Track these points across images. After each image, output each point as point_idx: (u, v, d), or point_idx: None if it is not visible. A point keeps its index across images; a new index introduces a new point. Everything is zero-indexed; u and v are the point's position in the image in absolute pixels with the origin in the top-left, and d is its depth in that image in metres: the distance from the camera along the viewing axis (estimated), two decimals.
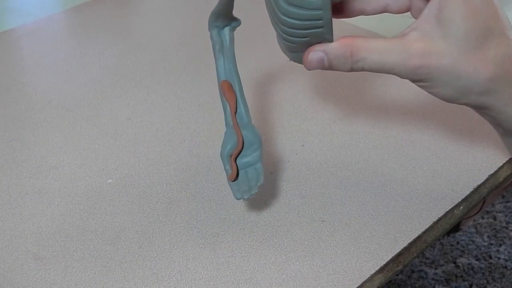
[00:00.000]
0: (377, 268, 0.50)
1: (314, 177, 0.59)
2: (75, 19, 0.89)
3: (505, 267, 1.65)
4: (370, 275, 0.50)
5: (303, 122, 0.66)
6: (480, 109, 0.49)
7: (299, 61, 0.50)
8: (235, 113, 0.52)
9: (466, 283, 1.60)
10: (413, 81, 0.48)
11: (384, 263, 0.51)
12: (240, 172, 0.51)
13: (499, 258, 1.67)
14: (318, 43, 0.48)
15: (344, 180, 0.59)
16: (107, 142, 0.64)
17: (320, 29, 0.46)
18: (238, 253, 0.51)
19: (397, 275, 1.54)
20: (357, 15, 0.53)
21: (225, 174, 0.51)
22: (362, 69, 0.47)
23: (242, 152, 0.51)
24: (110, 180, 0.59)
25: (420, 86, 0.48)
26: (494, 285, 1.60)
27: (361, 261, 0.51)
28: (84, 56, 0.79)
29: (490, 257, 1.67)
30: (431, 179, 0.58)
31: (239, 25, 0.53)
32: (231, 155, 0.50)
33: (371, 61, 0.47)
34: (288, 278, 0.49)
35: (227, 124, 0.52)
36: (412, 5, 0.52)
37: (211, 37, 0.53)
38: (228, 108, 0.52)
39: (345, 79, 0.73)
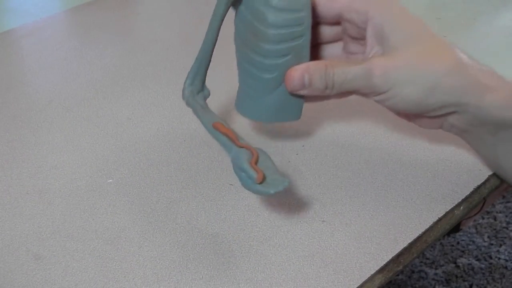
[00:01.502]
0: (377, 268, 0.50)
1: (314, 177, 0.59)
2: (75, 19, 0.89)
3: (506, 267, 1.65)
4: (370, 275, 0.50)
5: (304, 122, 0.66)
6: (450, 108, 0.51)
7: (272, 112, 0.56)
8: (237, 139, 0.51)
9: (466, 283, 1.60)
10: (377, 93, 0.51)
11: (384, 263, 0.51)
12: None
13: (499, 259, 1.67)
14: (297, 64, 0.53)
15: (344, 181, 0.59)
16: (107, 142, 0.64)
17: (301, 40, 0.52)
18: (238, 253, 0.51)
19: (397, 275, 1.54)
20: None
21: (243, 183, 0.48)
22: (333, 83, 0.52)
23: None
24: (111, 180, 0.59)
25: (386, 102, 0.52)
26: (495, 286, 1.60)
27: (361, 261, 0.51)
28: (84, 56, 0.79)
29: (491, 258, 1.67)
30: (432, 180, 0.58)
31: (209, 96, 0.56)
32: (250, 162, 0.48)
33: (338, 72, 0.51)
34: (288, 278, 0.49)
35: (230, 151, 0.51)
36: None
37: (188, 103, 0.55)
38: (227, 140, 0.51)
39: None
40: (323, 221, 0.54)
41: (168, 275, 0.50)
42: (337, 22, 0.55)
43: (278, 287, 0.49)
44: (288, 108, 0.56)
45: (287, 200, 0.56)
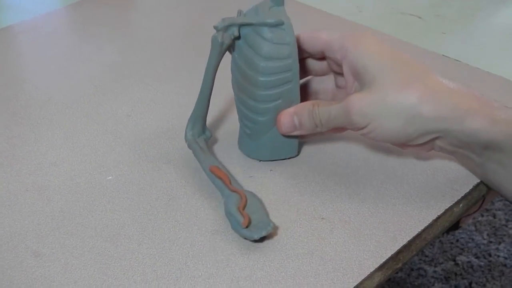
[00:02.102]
0: (376, 265, 0.50)
1: (314, 175, 0.59)
2: (74, 15, 0.89)
3: (505, 265, 1.65)
4: (369, 273, 0.50)
5: None
6: (431, 135, 0.53)
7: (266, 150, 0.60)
8: (230, 183, 0.55)
9: (465, 281, 1.60)
10: (358, 128, 0.53)
11: (384, 260, 0.51)
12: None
13: (498, 256, 1.67)
14: (288, 108, 0.56)
15: (343, 178, 0.59)
16: (107, 139, 0.64)
17: (290, 85, 0.55)
18: (238, 251, 0.51)
19: (397, 273, 1.54)
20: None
21: (232, 226, 0.52)
22: (320, 122, 0.55)
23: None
24: (110, 177, 0.59)
25: (368, 135, 0.54)
26: (494, 283, 1.60)
27: (361, 258, 0.51)
28: (83, 53, 0.79)
29: (490, 255, 1.67)
30: (431, 177, 0.58)
31: (210, 137, 0.60)
32: (238, 207, 0.52)
33: (322, 111, 0.54)
34: (287, 275, 0.49)
35: (223, 195, 0.55)
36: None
37: (189, 146, 0.59)
38: (222, 183, 0.55)
39: None
40: (322, 218, 0.54)
41: (167, 272, 0.50)
42: (323, 57, 0.58)
43: (277, 284, 0.49)
44: (283, 147, 0.60)
45: (286, 198, 0.56)
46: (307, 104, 0.56)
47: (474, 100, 0.51)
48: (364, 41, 0.53)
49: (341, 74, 0.57)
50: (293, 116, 0.56)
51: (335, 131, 0.58)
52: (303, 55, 0.58)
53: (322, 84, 0.61)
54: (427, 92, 0.50)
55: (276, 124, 0.57)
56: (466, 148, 0.53)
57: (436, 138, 0.53)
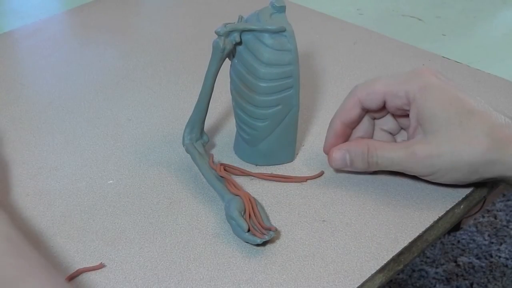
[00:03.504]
0: (378, 267, 0.50)
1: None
2: (75, 20, 0.89)
3: (506, 265, 1.65)
4: (371, 275, 0.50)
5: (303, 122, 0.66)
6: (493, 179, 0.54)
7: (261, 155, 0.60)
8: (231, 185, 0.55)
9: (467, 282, 1.60)
10: (422, 175, 0.55)
11: (385, 262, 0.51)
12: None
13: (499, 257, 1.67)
14: (287, 114, 0.57)
15: (344, 180, 0.59)
16: (107, 143, 0.64)
17: (290, 91, 0.56)
18: (239, 254, 0.51)
19: (398, 274, 1.54)
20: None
21: (233, 230, 0.52)
22: (377, 164, 0.55)
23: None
24: (111, 181, 0.59)
25: (431, 179, 0.55)
26: (495, 284, 1.60)
27: (362, 260, 0.51)
28: (84, 57, 0.79)
29: (491, 256, 1.67)
30: None
31: (208, 142, 0.60)
32: (239, 212, 0.52)
33: (382, 155, 0.54)
34: (288, 278, 0.49)
35: (223, 199, 0.54)
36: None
37: (187, 151, 0.59)
38: (222, 187, 0.55)
39: (345, 79, 0.73)
40: (323, 220, 0.54)
41: (168, 276, 0.50)
42: (382, 108, 0.57)
43: (278, 287, 0.49)
44: (280, 153, 0.60)
45: (287, 200, 0.56)
46: (361, 144, 0.56)
47: None
48: (431, 90, 0.53)
49: (401, 116, 0.57)
50: (345, 154, 0.56)
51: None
52: (362, 114, 0.57)
53: (379, 125, 0.60)
54: (492, 145, 0.51)
55: (328, 158, 0.57)
56: None
57: (497, 180, 0.55)
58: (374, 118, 0.59)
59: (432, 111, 0.52)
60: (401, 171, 0.55)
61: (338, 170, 0.59)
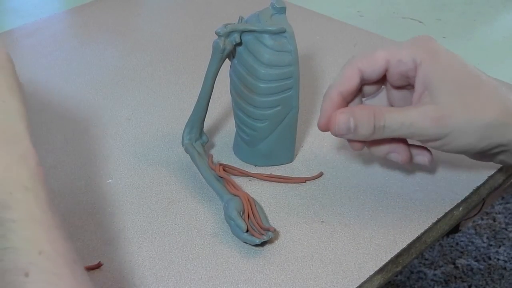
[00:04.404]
0: (376, 268, 0.50)
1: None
2: (75, 19, 0.89)
3: (504, 268, 1.65)
4: (369, 276, 0.50)
5: (303, 123, 0.66)
6: (500, 147, 0.52)
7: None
8: (230, 185, 0.56)
9: (465, 284, 1.60)
10: (432, 139, 0.51)
11: (384, 263, 0.51)
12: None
13: (498, 259, 1.67)
14: (287, 114, 0.57)
15: (343, 181, 0.59)
16: (107, 142, 0.64)
17: (290, 92, 0.56)
18: (238, 254, 0.51)
19: (396, 276, 1.54)
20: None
21: (232, 230, 0.52)
22: (383, 129, 0.51)
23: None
24: (110, 180, 0.59)
25: (440, 146, 0.52)
26: (493, 286, 1.60)
27: (360, 261, 0.51)
28: (84, 57, 0.79)
29: (490, 258, 1.67)
30: (431, 180, 0.59)
31: (207, 142, 0.60)
32: (238, 212, 0.52)
33: (391, 119, 0.50)
34: (287, 278, 0.49)
35: (222, 199, 0.55)
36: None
37: (186, 151, 0.59)
38: (221, 187, 0.55)
39: None
40: (322, 221, 0.54)
41: (167, 275, 0.50)
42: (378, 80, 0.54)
43: (277, 287, 0.49)
44: (280, 153, 0.60)
45: (286, 201, 0.56)
46: (366, 108, 0.52)
47: None
48: (439, 54, 0.52)
49: (398, 88, 0.55)
50: (349, 118, 0.51)
51: (377, 143, 0.55)
52: (359, 86, 0.54)
53: (373, 103, 0.57)
54: (505, 109, 0.50)
55: (329, 123, 0.53)
56: None
57: (502, 151, 0.53)
58: (364, 97, 0.56)
59: (443, 74, 0.51)
60: (408, 137, 0.52)
61: (339, 139, 0.54)
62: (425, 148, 0.55)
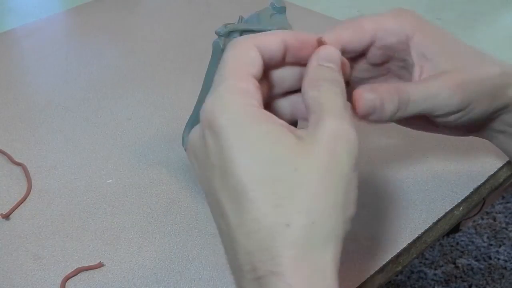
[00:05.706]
0: (376, 268, 0.50)
1: None
2: (75, 19, 0.89)
3: (505, 268, 1.65)
4: (369, 276, 0.50)
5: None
6: (503, 110, 0.51)
7: None
8: None
9: (465, 283, 1.60)
10: (452, 112, 0.48)
11: (384, 263, 0.51)
12: None
13: (498, 259, 1.67)
14: None
15: None
16: (107, 142, 0.64)
17: None
18: None
19: (397, 275, 1.54)
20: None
21: None
22: (407, 103, 0.46)
23: None
24: (110, 180, 0.59)
25: (457, 118, 0.49)
26: (494, 286, 1.60)
27: (361, 261, 0.51)
28: (84, 57, 0.79)
29: (490, 258, 1.67)
30: (431, 180, 0.59)
31: None
32: None
33: (415, 92, 0.46)
34: None
35: None
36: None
37: (186, 150, 0.58)
38: None
39: None
40: None
41: (167, 275, 0.50)
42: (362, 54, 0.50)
43: None
44: None
45: None
46: (385, 85, 0.47)
47: None
48: (429, 25, 0.51)
49: (379, 65, 0.51)
50: (375, 94, 0.45)
51: (402, 123, 0.52)
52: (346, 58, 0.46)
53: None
54: (503, 70, 0.50)
55: (353, 103, 0.46)
56: None
57: (500, 115, 0.52)
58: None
59: (440, 43, 0.50)
60: (430, 112, 0.48)
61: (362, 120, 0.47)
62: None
